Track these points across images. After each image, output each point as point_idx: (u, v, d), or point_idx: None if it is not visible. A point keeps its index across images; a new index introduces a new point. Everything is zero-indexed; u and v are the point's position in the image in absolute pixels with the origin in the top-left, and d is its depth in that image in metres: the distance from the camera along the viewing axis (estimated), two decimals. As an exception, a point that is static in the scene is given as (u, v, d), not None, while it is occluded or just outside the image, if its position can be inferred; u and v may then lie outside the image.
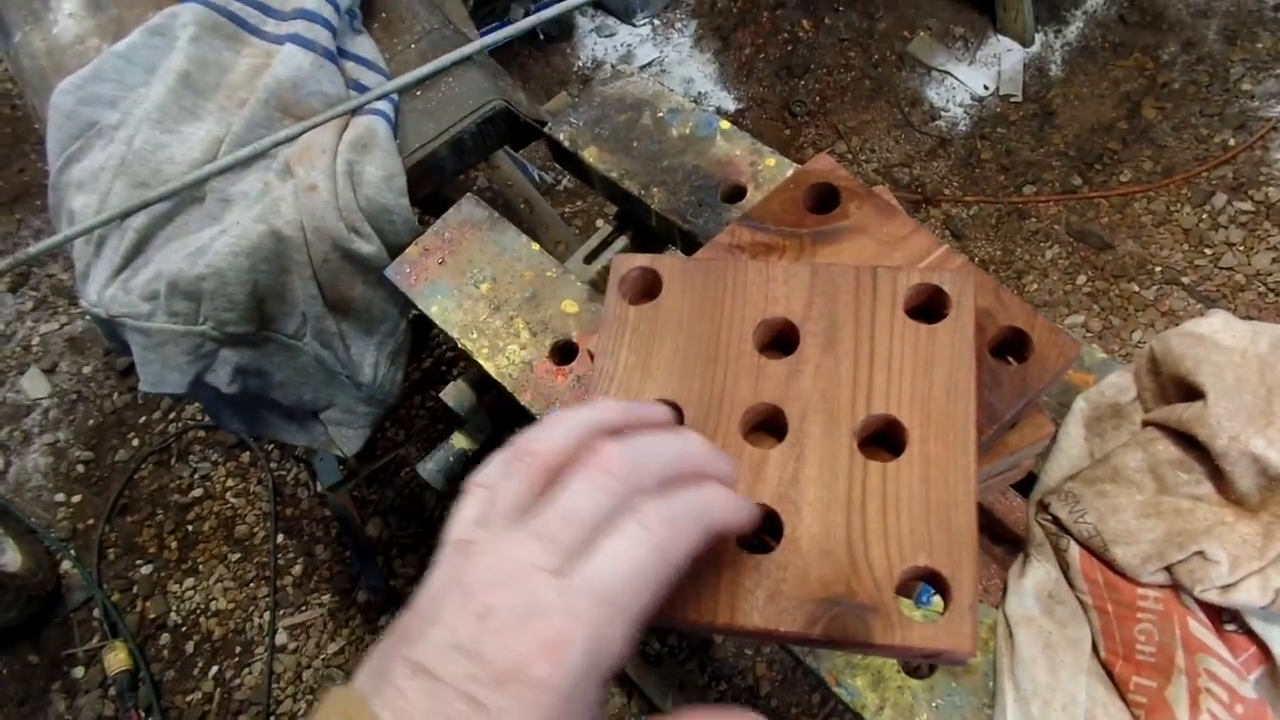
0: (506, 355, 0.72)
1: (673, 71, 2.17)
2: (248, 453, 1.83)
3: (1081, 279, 1.77)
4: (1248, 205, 1.77)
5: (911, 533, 0.37)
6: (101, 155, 0.84)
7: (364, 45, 0.88)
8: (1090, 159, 1.89)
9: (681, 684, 1.48)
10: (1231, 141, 1.84)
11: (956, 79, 2.04)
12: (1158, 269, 1.75)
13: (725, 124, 0.79)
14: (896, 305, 0.41)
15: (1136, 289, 1.74)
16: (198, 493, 1.82)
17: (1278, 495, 0.53)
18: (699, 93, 2.13)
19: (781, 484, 0.39)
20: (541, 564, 0.30)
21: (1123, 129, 1.91)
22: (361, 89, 0.85)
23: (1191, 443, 0.55)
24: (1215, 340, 0.56)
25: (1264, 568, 0.52)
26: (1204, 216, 1.78)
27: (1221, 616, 0.55)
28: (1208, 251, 1.75)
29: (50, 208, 0.88)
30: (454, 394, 0.81)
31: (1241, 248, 1.74)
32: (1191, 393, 0.56)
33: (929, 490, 0.37)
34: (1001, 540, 0.67)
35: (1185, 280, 1.73)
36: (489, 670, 0.28)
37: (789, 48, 2.15)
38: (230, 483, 1.82)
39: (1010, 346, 0.47)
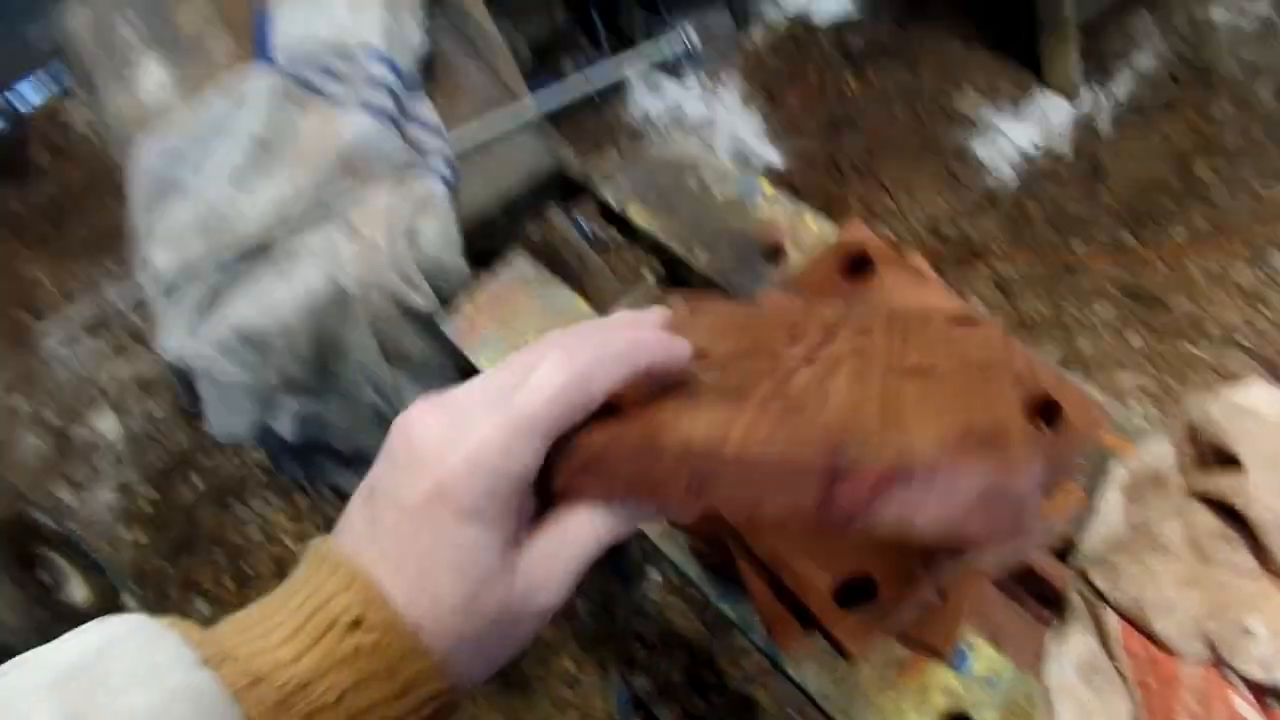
0: (552, 409, 0.74)
1: (721, 127, 2.21)
2: (306, 497, 1.88)
3: (1135, 338, 1.75)
4: (1307, 264, 1.74)
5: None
6: (180, 212, 0.89)
7: (424, 109, 0.93)
8: (1142, 216, 1.88)
9: None
10: (1289, 199, 1.81)
11: (1004, 135, 2.05)
12: (1214, 329, 1.72)
13: (768, 188, 0.82)
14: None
15: (1192, 349, 1.71)
16: (256, 535, 1.87)
17: (1321, 570, 0.52)
18: (747, 148, 2.17)
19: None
20: (478, 399, 0.34)
21: (1175, 186, 1.90)
22: (422, 151, 0.90)
23: (1231, 513, 0.55)
24: (1254, 410, 0.56)
25: (1308, 644, 0.51)
26: (1261, 275, 1.75)
27: (1265, 695, 0.54)
28: (1266, 312, 1.72)
29: (132, 261, 0.94)
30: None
31: (1301, 308, 1.70)
32: (1230, 461, 0.56)
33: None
34: (1049, 603, 0.67)
35: (1243, 341, 1.70)
36: (412, 477, 0.33)
37: (836, 104, 2.18)
38: (288, 525, 1.87)
39: (1041, 414, 0.48)
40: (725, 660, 1.50)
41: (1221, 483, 0.55)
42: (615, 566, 1.19)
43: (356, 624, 0.31)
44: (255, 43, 1.03)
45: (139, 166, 0.91)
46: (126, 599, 1.82)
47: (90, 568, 1.80)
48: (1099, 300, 1.80)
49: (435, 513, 0.32)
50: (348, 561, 0.33)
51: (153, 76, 1.07)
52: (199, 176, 0.90)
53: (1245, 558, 0.55)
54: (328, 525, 1.63)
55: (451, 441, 0.33)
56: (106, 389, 2.12)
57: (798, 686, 0.59)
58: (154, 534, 1.91)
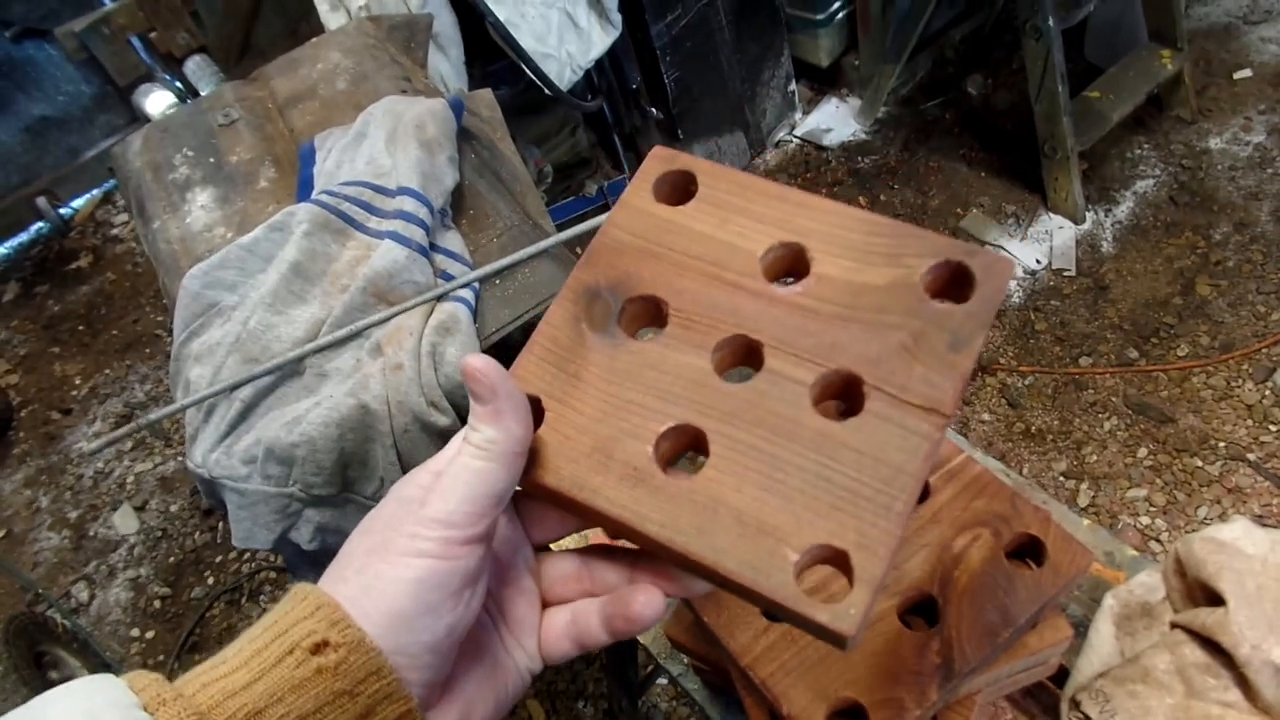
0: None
1: (735, 242, 2.30)
2: (314, 597, 1.89)
3: (1143, 452, 1.76)
4: (1312, 383, 1.76)
5: (833, 502, 0.36)
6: (219, 332, 0.95)
7: (452, 240, 1.00)
8: (1146, 333, 1.92)
9: None
10: (1290, 319, 1.85)
11: (1009, 253, 2.11)
12: (1221, 444, 1.74)
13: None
14: None
15: (1200, 464, 1.73)
16: (263, 634, 1.87)
17: (1305, 706, 0.54)
18: (759, 262, 2.24)
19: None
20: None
21: (1178, 304, 1.94)
22: (448, 278, 0.96)
23: (1218, 648, 0.57)
24: (1236, 547, 0.59)
25: (1295, 781, 0.52)
26: (1267, 393, 1.78)
27: (1259, 830, 0.54)
28: (1273, 428, 1.73)
29: (170, 375, 0.99)
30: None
31: (1308, 426, 1.72)
32: (1216, 597, 0.58)
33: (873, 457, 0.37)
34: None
35: (1251, 456, 1.71)
36: (389, 519, 0.36)
37: (846, 222, 2.26)
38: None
39: (1026, 552, 0.50)
40: None
41: (1207, 619, 0.57)
42: (620, 674, 1.19)
43: (319, 646, 0.32)
44: (299, 178, 1.11)
45: (184, 289, 0.97)
46: (135, 702, 1.81)
47: (100, 667, 1.80)
48: (1106, 414, 1.83)
49: (406, 546, 0.35)
50: (315, 592, 0.34)
51: (202, 207, 1.15)
52: (238, 301, 0.96)
53: (1232, 692, 0.56)
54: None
55: (426, 494, 0.36)
56: (128, 486, 2.16)
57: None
58: (164, 631, 1.92)
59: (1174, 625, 0.60)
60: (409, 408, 0.87)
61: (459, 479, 0.35)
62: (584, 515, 0.39)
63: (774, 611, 0.35)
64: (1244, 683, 0.56)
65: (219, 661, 0.33)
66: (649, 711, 1.49)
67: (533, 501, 0.42)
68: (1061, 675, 0.64)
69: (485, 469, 0.36)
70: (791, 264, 0.42)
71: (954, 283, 0.40)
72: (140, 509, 2.12)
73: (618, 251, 0.43)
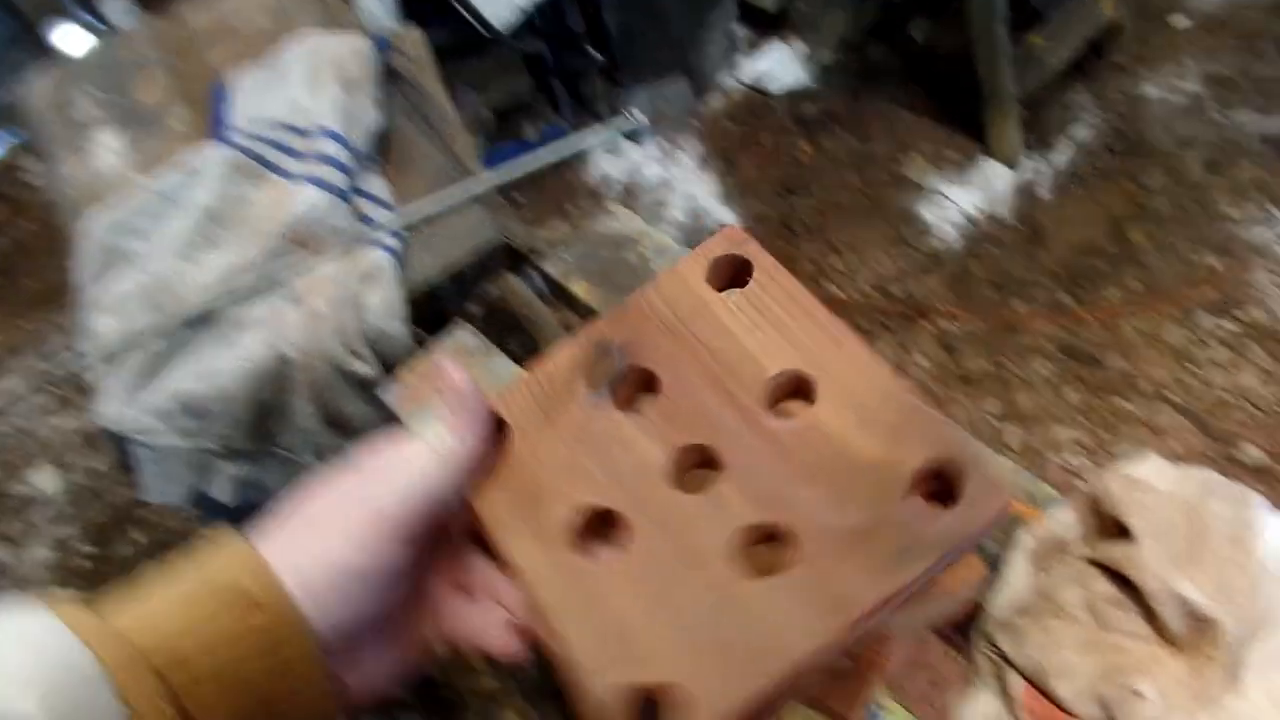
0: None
1: (677, 189, 2.27)
2: (250, 552, 1.86)
3: (1071, 393, 1.81)
4: (1233, 325, 1.82)
5: (703, 646, 0.36)
6: (127, 281, 0.91)
7: (376, 184, 0.96)
8: (1079, 278, 1.95)
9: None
10: (1216, 264, 1.90)
11: (949, 199, 2.13)
12: (1146, 385, 1.79)
13: (703, 262, 0.85)
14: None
15: (1125, 404, 1.78)
16: (198, 591, 1.84)
17: (1206, 636, 0.55)
18: (701, 209, 2.23)
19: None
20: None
21: (1110, 250, 1.98)
22: (371, 224, 0.93)
23: (1126, 582, 0.58)
24: (1147, 483, 0.60)
25: (1193, 707, 0.54)
26: (1190, 335, 1.83)
27: (1159, 754, 0.56)
28: (1195, 369, 1.79)
29: (76, 326, 0.95)
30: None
31: (1227, 366, 1.77)
32: (1127, 532, 0.59)
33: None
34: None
35: (1173, 397, 1.76)
36: (332, 487, 0.37)
37: (789, 169, 2.25)
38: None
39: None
40: None
41: (1117, 554, 0.58)
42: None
43: (251, 605, 0.33)
44: (212, 119, 1.06)
45: (88, 235, 0.93)
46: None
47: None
48: (1037, 357, 1.86)
49: (338, 529, 0.35)
50: (248, 548, 0.34)
51: (108, 149, 1.09)
52: (147, 248, 0.91)
53: (1138, 623, 0.58)
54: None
55: (373, 477, 0.36)
56: (48, 444, 2.09)
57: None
58: (91, 591, 1.88)
59: (1086, 560, 0.61)
60: (330, 357, 0.85)
61: (406, 477, 0.36)
62: (488, 544, 0.40)
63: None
64: (1150, 615, 0.57)
65: (145, 598, 0.33)
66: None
67: None
68: (976, 612, 0.65)
69: (433, 474, 0.36)
70: (795, 395, 0.41)
71: (940, 489, 0.38)
72: (63, 467, 2.05)
73: (645, 316, 0.43)
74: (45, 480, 2.03)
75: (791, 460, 0.38)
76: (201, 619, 0.32)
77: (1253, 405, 1.73)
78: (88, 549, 1.93)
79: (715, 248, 0.43)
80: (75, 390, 2.16)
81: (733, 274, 0.43)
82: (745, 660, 0.35)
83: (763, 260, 0.43)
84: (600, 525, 0.40)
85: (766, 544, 0.38)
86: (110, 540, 1.94)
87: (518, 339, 1.07)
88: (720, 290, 0.43)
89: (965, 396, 1.85)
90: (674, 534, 0.38)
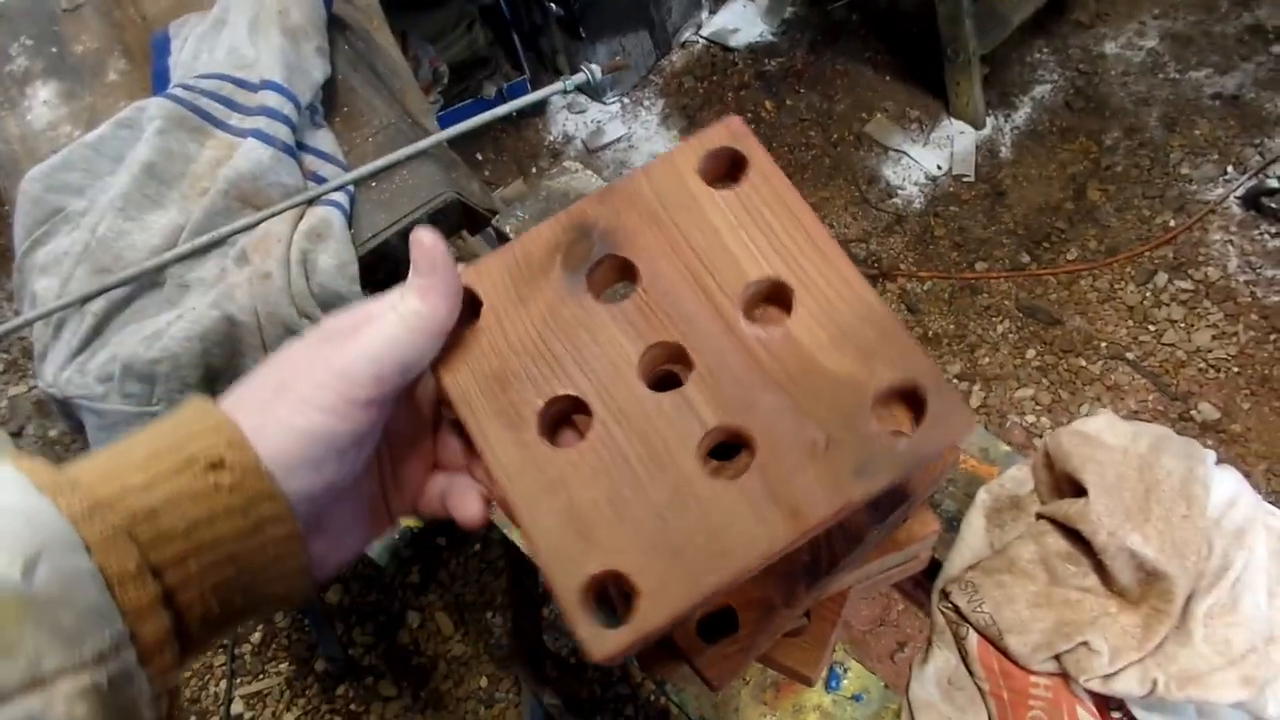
0: (446, 441, 0.75)
1: (640, 147, 2.24)
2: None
3: (1031, 353, 1.83)
4: (1188, 284, 1.85)
5: (656, 543, 0.37)
6: (66, 240, 0.87)
7: (324, 139, 0.93)
8: (1039, 237, 1.97)
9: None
10: (1172, 223, 1.92)
11: (912, 159, 2.13)
12: (1104, 344, 1.81)
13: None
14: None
15: (1084, 363, 1.80)
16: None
17: (1155, 589, 0.56)
18: (665, 168, 2.20)
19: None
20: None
21: (1069, 209, 1.99)
22: (319, 181, 0.90)
23: (1079, 537, 0.59)
24: (1100, 439, 0.60)
25: (1143, 659, 0.55)
26: (1147, 294, 1.85)
27: (1109, 705, 0.58)
28: (1151, 328, 1.82)
29: (14, 289, 0.91)
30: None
31: (1183, 325, 1.80)
32: (1080, 488, 0.60)
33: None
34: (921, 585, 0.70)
35: (1130, 355, 1.79)
36: (295, 356, 0.37)
37: (752, 126, 2.22)
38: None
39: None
40: (638, 673, 1.51)
41: (1069, 509, 0.59)
42: (523, 586, 1.19)
43: (217, 464, 0.32)
44: (153, 70, 1.01)
45: (24, 194, 0.89)
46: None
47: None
48: (999, 317, 1.88)
49: (307, 395, 0.35)
50: (215, 410, 0.35)
51: (45, 102, 1.04)
52: (87, 205, 0.88)
53: (1090, 578, 0.58)
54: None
55: (341, 344, 0.36)
56: (0, 411, 2.03)
57: (680, 709, 0.61)
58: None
59: (1040, 516, 0.62)
60: (279, 318, 0.82)
61: (372, 341, 0.36)
62: (455, 420, 0.39)
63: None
64: (1101, 569, 0.58)
65: (114, 456, 0.32)
66: (555, 620, 1.51)
67: None
68: (935, 569, 0.65)
69: (400, 339, 0.36)
70: (767, 298, 0.40)
71: (903, 408, 0.38)
72: (16, 435, 2.00)
73: (631, 203, 0.41)
74: (-5, 449, 1.98)
75: (761, 367, 0.38)
76: (166, 474, 0.32)
77: (1207, 363, 1.77)
78: (40, 518, 1.89)
79: (713, 138, 0.42)
80: (24, 355, 2.10)
81: (727, 168, 0.42)
82: (697, 559, 0.35)
83: (759, 158, 0.41)
84: (566, 413, 0.40)
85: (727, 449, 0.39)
86: (63, 508, 1.90)
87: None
88: (712, 184, 0.41)
89: (929, 357, 1.86)
90: (638, 429, 0.38)
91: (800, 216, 0.40)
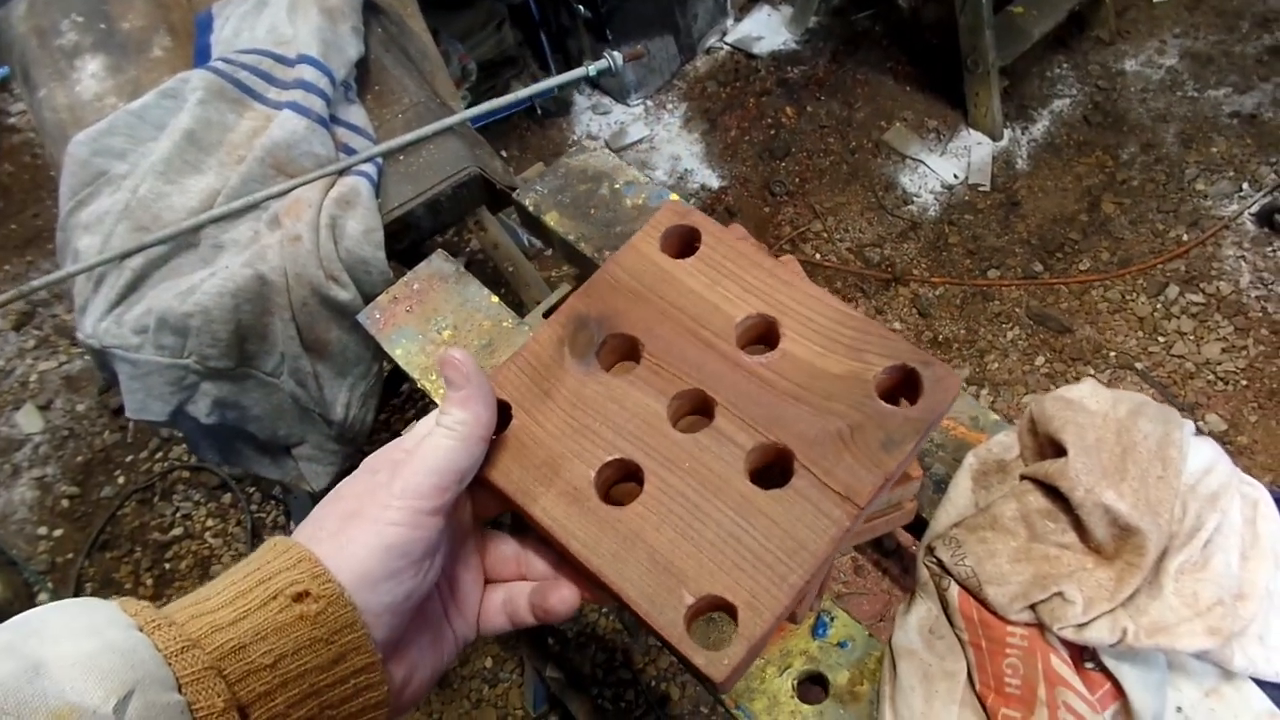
0: (460, 396, 0.79)
1: (661, 149, 2.29)
2: (229, 494, 1.88)
3: (1040, 360, 1.85)
4: (1199, 297, 1.86)
5: (738, 560, 0.40)
6: (108, 201, 0.92)
7: (356, 114, 0.98)
8: (1052, 247, 1.99)
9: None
10: (1185, 237, 1.94)
11: (928, 167, 2.15)
12: (1113, 354, 1.83)
13: (674, 195, 0.88)
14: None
15: (1092, 372, 1.82)
16: (178, 532, 1.86)
17: (1128, 544, 0.59)
18: (685, 169, 2.24)
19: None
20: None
21: (1083, 221, 2.01)
22: (350, 152, 0.94)
23: (1058, 495, 0.61)
24: (1081, 404, 0.63)
25: (1114, 609, 0.58)
26: (1158, 306, 1.87)
27: (1083, 655, 0.60)
28: (1160, 339, 1.83)
29: (57, 247, 0.96)
30: (414, 432, 0.87)
31: (1192, 337, 1.82)
32: (1062, 450, 0.62)
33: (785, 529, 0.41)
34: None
35: (1139, 366, 1.81)
36: (364, 486, 0.40)
37: (772, 132, 2.27)
38: (210, 523, 1.86)
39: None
40: (641, 658, 1.54)
41: (1050, 468, 0.61)
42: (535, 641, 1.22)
43: (301, 595, 0.34)
44: (195, 46, 1.06)
45: (71, 156, 0.94)
46: (41, 595, 1.79)
47: (5, 564, 1.77)
48: (1009, 324, 1.90)
49: (378, 515, 0.38)
50: (294, 545, 0.37)
51: (92, 75, 1.10)
52: (129, 169, 0.92)
53: (1069, 534, 0.61)
54: (252, 523, 1.63)
55: (398, 469, 0.39)
56: (30, 385, 2.09)
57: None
58: (73, 530, 1.89)
59: (1023, 477, 0.64)
60: (308, 280, 0.86)
61: (429, 455, 0.39)
62: (521, 516, 0.43)
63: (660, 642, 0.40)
64: (1079, 526, 0.60)
65: (202, 598, 0.35)
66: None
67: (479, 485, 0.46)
68: (920, 528, 0.68)
69: (453, 447, 0.40)
70: (763, 335, 0.46)
71: (903, 387, 0.45)
72: (45, 408, 2.06)
73: (613, 289, 0.47)
74: (28, 421, 2.04)
75: (773, 389, 0.44)
76: (253, 609, 0.33)
77: (1216, 375, 1.78)
78: (69, 489, 1.94)
79: (663, 221, 0.48)
80: (56, 332, 2.16)
81: (683, 243, 0.48)
82: (777, 562, 0.39)
83: (707, 225, 0.48)
84: (618, 477, 0.44)
85: (764, 469, 0.44)
86: (91, 480, 1.95)
87: (500, 295, 1.09)
88: (676, 257, 0.47)
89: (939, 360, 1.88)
90: (687, 469, 0.42)
91: (758, 260, 0.47)
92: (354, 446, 1.01)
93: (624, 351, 0.47)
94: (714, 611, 0.40)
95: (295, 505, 1.42)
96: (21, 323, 2.18)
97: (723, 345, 0.45)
